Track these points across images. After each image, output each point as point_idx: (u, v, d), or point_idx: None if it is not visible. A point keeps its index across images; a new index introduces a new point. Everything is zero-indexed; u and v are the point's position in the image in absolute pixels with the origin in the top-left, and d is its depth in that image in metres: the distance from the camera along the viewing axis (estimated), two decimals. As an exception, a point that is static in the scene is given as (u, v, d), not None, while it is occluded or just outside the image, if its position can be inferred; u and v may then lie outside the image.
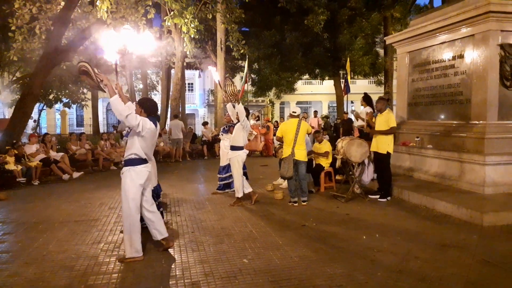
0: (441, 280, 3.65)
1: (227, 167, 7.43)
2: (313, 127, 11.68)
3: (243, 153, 6.68)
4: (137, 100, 4.74)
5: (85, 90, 21.30)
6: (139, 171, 4.25)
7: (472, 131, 6.86)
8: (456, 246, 4.53)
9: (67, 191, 8.25)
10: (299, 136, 6.53)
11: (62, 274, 3.91)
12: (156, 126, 4.36)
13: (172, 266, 4.07)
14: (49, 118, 32.06)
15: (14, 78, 18.69)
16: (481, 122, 6.79)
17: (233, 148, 6.69)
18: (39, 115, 22.67)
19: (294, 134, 6.52)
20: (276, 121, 20.72)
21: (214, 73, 7.56)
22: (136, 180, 4.22)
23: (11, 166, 8.96)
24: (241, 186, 6.62)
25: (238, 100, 6.65)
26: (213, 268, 3.98)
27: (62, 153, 10.63)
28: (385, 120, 6.80)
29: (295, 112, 6.86)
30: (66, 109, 26.00)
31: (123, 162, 4.40)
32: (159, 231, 4.45)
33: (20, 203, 7.21)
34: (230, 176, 7.32)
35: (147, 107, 4.36)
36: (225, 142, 7.61)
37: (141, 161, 4.28)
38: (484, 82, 6.78)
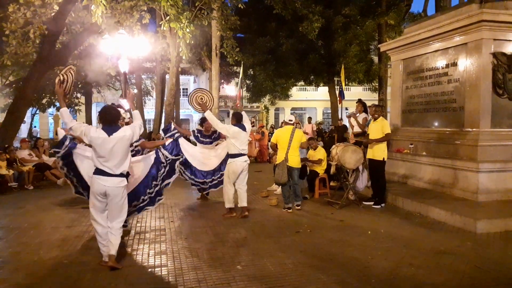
0: (435, 287, 3.65)
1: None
2: (306, 133, 11.72)
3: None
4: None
5: (78, 95, 21.21)
6: (93, 181, 4.12)
7: (466, 138, 6.90)
8: (450, 253, 4.54)
9: (59, 196, 8.15)
10: (293, 142, 6.58)
11: (53, 280, 3.86)
12: (110, 134, 4.06)
13: (165, 273, 4.04)
14: (42, 123, 31.81)
15: (7, 82, 18.54)
16: (474, 129, 6.84)
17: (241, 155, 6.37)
18: (32, 119, 22.49)
19: (288, 140, 6.57)
20: (272, 126, 20.73)
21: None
22: (92, 189, 4.15)
23: (3, 170, 8.86)
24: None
25: (205, 110, 6.57)
26: (206, 275, 3.94)
27: (54, 158, 10.53)
28: (380, 127, 6.83)
29: (291, 120, 6.97)
30: (59, 113, 25.84)
31: None
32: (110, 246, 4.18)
33: (12, 208, 7.12)
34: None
35: (100, 117, 4.28)
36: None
37: (96, 171, 4.11)
38: (477, 90, 6.83)
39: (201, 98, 6.78)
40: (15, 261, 4.37)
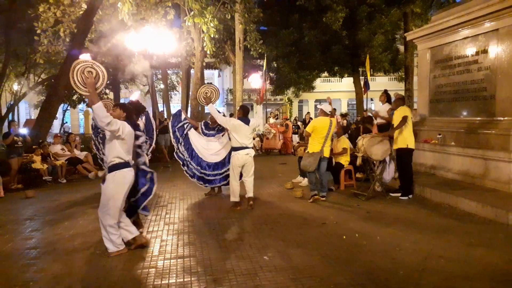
0: (466, 280, 3.58)
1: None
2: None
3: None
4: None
5: (107, 91, 21.74)
6: (125, 174, 4.33)
7: (497, 127, 6.70)
8: (481, 245, 4.44)
9: (91, 188, 8.43)
10: (330, 135, 6.66)
11: (88, 270, 4.02)
12: (135, 129, 4.51)
13: (194, 263, 4.13)
14: (73, 118, 32.86)
15: (40, 80, 19.17)
16: (506, 118, 6.62)
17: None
18: (64, 115, 23.24)
19: (326, 132, 6.58)
20: (296, 119, 20.63)
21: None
22: (122, 184, 4.33)
23: (38, 165, 9.25)
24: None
25: (211, 103, 6.85)
26: (234, 265, 4.02)
27: (86, 152, 10.89)
28: (399, 114, 6.74)
29: (331, 112, 6.96)
30: (89, 109, 26.56)
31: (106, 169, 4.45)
32: (129, 231, 4.55)
33: (46, 200, 7.43)
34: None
35: (129, 113, 4.54)
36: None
37: (125, 164, 4.34)
38: (509, 77, 6.60)
39: (206, 93, 7.12)
40: (52, 252, 4.57)
